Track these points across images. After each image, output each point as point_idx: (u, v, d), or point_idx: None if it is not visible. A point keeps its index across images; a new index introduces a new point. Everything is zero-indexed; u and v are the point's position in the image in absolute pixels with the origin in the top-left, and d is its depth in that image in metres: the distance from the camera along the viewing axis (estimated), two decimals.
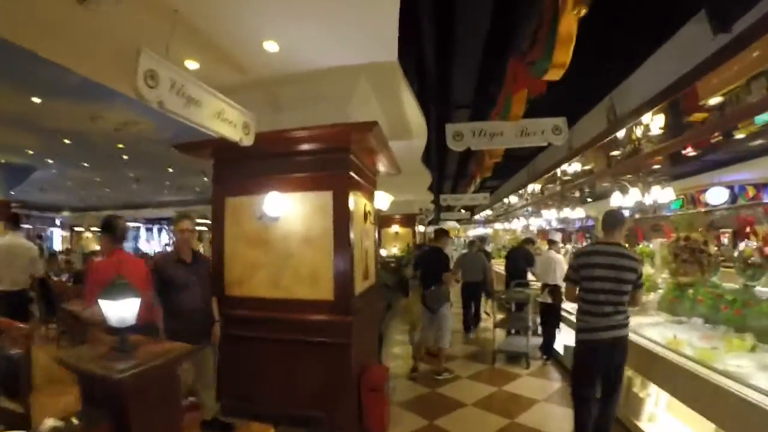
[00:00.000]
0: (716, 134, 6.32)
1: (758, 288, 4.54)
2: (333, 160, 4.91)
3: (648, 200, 7.01)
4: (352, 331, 4.73)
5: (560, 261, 7.26)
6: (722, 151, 7.66)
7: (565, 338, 6.88)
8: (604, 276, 3.93)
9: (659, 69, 4.69)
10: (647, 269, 5.76)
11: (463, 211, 20.23)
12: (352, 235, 4.85)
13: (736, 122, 5.34)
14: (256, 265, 5.09)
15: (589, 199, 11.38)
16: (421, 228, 22.06)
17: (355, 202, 5.14)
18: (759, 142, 6.76)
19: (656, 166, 7.34)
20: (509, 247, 12.12)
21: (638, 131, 6.15)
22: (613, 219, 4.18)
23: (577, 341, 4.17)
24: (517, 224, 16.22)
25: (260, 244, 5.14)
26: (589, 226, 14.51)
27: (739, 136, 6.41)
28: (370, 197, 5.80)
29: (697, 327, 4.63)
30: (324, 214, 4.91)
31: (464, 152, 9.12)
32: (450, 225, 31.72)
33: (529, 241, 9.36)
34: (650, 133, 6.11)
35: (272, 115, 4.97)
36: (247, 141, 4.18)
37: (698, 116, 4.95)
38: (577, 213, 10.49)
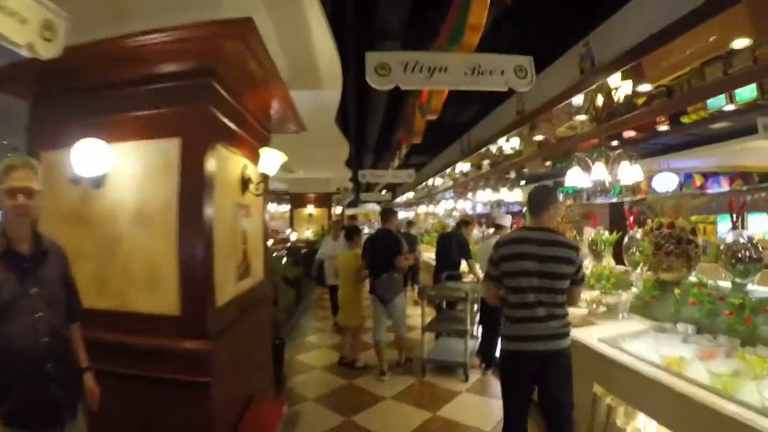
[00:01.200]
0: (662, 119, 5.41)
1: (751, 286, 3.58)
2: (184, 90, 3.07)
3: (608, 179, 5.57)
4: (213, 361, 2.96)
5: None
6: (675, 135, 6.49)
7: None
8: (533, 270, 3.08)
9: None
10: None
11: (384, 192, 18.62)
12: (211, 212, 3.04)
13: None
14: (77, 255, 3.07)
15: (522, 182, 9.99)
16: (338, 209, 20.22)
17: (223, 159, 3.34)
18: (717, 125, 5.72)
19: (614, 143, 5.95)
20: (437, 232, 10.66)
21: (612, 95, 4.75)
22: (542, 197, 3.32)
23: (501, 355, 3.32)
24: (442, 207, 14.78)
25: (80, 222, 3.22)
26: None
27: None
28: (254, 157, 3.94)
29: (690, 338, 3.52)
30: (166, 175, 3.07)
31: (389, 115, 7.49)
32: (370, 207, 30.27)
33: (464, 223, 7.74)
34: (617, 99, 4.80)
35: (115, 24, 2.99)
36: (47, 50, 2.09)
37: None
38: (515, 195, 9.04)
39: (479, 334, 6.29)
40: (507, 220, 6.16)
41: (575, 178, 5.61)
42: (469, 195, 12.82)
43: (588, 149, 5.94)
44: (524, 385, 3.18)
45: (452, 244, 7.23)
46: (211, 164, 3.06)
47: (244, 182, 3.76)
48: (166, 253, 3.01)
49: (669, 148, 8.05)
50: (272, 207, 24.27)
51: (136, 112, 3.16)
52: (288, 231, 15.58)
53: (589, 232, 5.99)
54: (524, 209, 11.09)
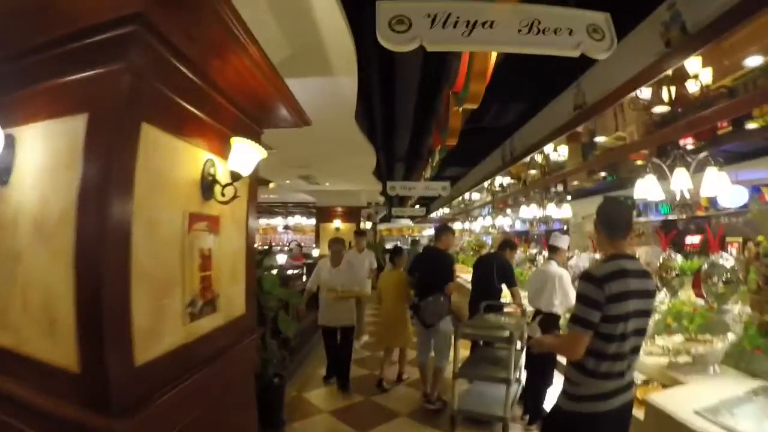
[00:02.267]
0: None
1: None
2: (99, 46, 2.06)
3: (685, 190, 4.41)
4: None
5: (563, 278, 4.67)
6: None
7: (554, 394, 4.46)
8: (636, 310, 2.48)
9: None
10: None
11: (417, 207, 17.51)
12: (127, 222, 2.05)
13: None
14: None
15: (569, 197, 8.71)
16: (368, 224, 19.18)
17: (166, 148, 2.36)
18: None
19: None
20: (473, 250, 9.48)
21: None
22: (629, 215, 2.80)
23: (568, 418, 2.57)
24: (479, 224, 13.58)
25: None
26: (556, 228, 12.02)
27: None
28: (221, 149, 2.91)
29: None
30: (67, 169, 2.08)
31: (421, 114, 6.40)
32: (403, 223, 29.20)
33: (508, 245, 6.53)
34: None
35: None
36: None
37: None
38: (564, 211, 7.82)
39: (523, 379, 5.12)
40: (565, 242, 5.01)
41: (646, 189, 4.47)
42: (509, 211, 11.65)
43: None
44: None
45: (494, 269, 6.07)
46: (134, 152, 2.05)
47: (207, 184, 2.74)
48: (62, 281, 2.01)
49: (732, 157, 6.99)
50: (298, 220, 23.59)
51: (43, 84, 2.20)
52: (311, 246, 14.65)
53: (656, 254, 4.86)
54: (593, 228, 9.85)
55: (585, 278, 2.50)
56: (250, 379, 3.70)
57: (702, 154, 4.19)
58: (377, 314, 7.34)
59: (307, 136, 7.12)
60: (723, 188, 4.06)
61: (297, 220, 25.24)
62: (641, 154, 6.88)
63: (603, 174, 7.60)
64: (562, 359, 4.40)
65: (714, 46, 3.06)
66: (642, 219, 14.97)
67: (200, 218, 2.69)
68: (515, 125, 6.77)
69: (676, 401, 2.74)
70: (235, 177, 2.76)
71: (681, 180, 4.12)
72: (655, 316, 4.04)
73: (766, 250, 3.01)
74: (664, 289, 4.29)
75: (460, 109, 4.62)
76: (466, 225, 15.74)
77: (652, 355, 3.51)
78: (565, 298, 4.63)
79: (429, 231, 28.55)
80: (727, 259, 3.81)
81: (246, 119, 3.41)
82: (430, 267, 5.78)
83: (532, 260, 9.55)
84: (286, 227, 27.37)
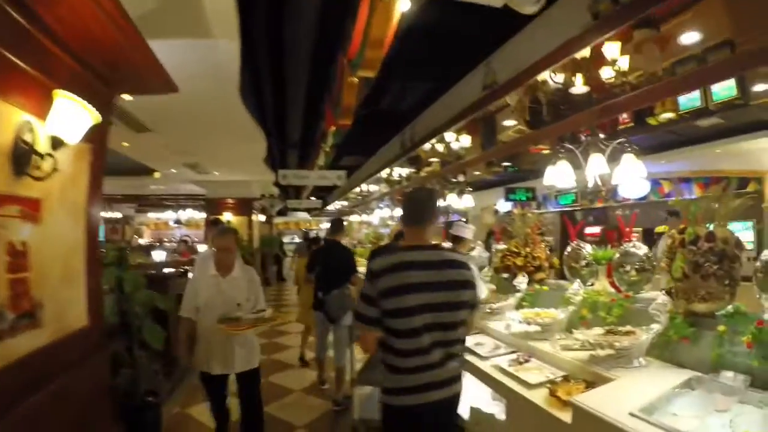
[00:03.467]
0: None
1: None
2: None
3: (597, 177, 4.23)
4: None
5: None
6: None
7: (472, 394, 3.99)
8: (427, 303, 2.35)
9: None
10: None
11: (313, 199, 16.78)
12: None
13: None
14: None
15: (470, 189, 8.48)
16: (261, 217, 18.18)
17: None
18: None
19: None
20: (371, 243, 9.00)
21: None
22: (425, 203, 2.58)
23: (386, 411, 2.50)
24: (377, 215, 13.21)
25: None
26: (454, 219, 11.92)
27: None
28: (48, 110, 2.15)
29: (748, 396, 2.30)
30: None
31: (314, 94, 5.76)
32: (300, 216, 28.40)
33: (401, 236, 5.95)
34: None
35: None
36: None
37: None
38: (465, 202, 7.54)
39: None
40: (468, 231, 4.62)
41: (558, 175, 4.18)
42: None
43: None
44: None
45: None
46: None
47: (21, 155, 1.98)
48: None
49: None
50: (190, 213, 22.09)
51: None
52: (195, 241, 13.54)
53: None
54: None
55: (366, 273, 2.44)
56: (102, 405, 2.94)
57: (618, 141, 3.95)
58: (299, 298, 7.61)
59: (189, 117, 6.43)
60: (640, 176, 3.82)
61: (190, 213, 23.58)
62: (541, 148, 6.85)
63: (506, 164, 7.39)
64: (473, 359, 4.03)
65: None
66: (541, 211, 15.33)
67: (7, 200, 1.93)
68: (418, 109, 6.30)
69: (607, 401, 2.43)
70: (57, 144, 2.02)
71: (596, 165, 3.83)
72: (569, 308, 3.74)
73: (692, 237, 2.74)
74: (578, 281, 4.00)
75: (356, 80, 4.05)
76: (364, 217, 15.30)
77: (570, 350, 3.22)
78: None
79: (327, 224, 27.94)
80: (639, 248, 3.64)
81: (90, 76, 2.63)
82: (331, 260, 5.64)
83: None
84: (178, 222, 25.58)
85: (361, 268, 7.59)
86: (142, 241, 21.43)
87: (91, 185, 2.85)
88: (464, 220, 9.27)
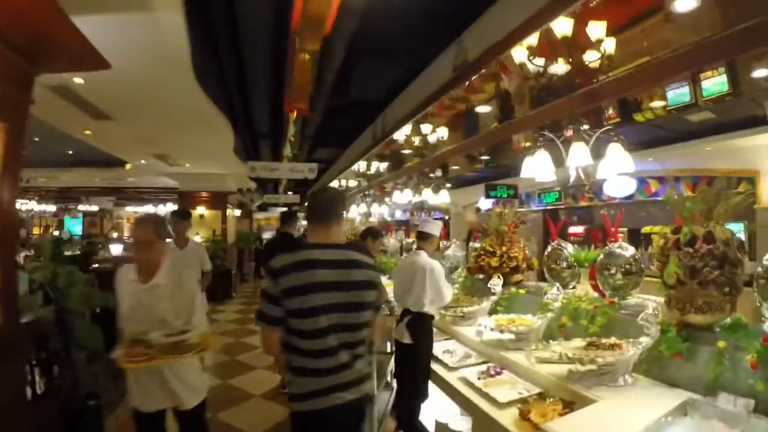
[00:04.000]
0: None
1: None
2: None
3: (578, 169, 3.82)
4: None
5: (434, 271, 3.86)
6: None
7: (439, 407, 3.83)
8: (332, 303, 2.27)
9: None
10: None
11: (290, 194, 16.25)
12: None
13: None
14: None
15: (448, 185, 8.06)
16: (236, 212, 17.62)
17: None
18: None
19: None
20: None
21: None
22: (331, 202, 2.49)
23: (294, 418, 2.38)
24: (355, 212, 12.76)
25: None
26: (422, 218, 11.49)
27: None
28: None
29: (751, 424, 1.96)
30: None
31: (276, 68, 5.28)
32: (280, 212, 27.75)
33: (370, 233, 5.60)
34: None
35: None
36: None
37: None
38: (441, 197, 7.14)
39: (395, 385, 4.28)
40: (435, 228, 4.18)
41: (536, 167, 3.79)
42: (387, 200, 10.95)
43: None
44: None
45: None
46: None
47: None
48: None
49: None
50: (171, 207, 21.47)
51: None
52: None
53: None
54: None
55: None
56: (20, 411, 2.53)
57: (602, 129, 3.56)
58: None
59: (147, 104, 6.24)
60: (627, 169, 3.42)
61: (170, 208, 22.95)
62: (519, 143, 6.48)
63: (485, 157, 7.01)
64: (434, 364, 3.65)
65: None
66: (523, 209, 14.91)
67: None
68: (390, 97, 5.88)
69: (587, 429, 2.07)
70: None
71: (578, 155, 3.43)
72: (548, 315, 3.35)
73: (688, 237, 2.35)
74: (557, 285, 3.62)
75: (307, 57, 3.57)
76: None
77: (547, 362, 2.82)
78: (437, 296, 3.84)
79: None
80: (626, 249, 3.30)
81: (5, 49, 2.22)
82: (277, 250, 5.21)
83: (409, 250, 8.85)
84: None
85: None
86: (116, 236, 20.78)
87: (4, 168, 2.43)
88: (447, 217, 8.81)
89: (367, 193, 11.26)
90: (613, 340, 2.73)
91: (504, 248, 4.60)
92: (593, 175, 3.70)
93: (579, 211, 10.19)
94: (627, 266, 3.18)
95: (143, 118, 6.90)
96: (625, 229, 7.96)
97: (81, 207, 21.74)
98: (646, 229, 7.48)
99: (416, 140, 6.81)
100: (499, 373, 3.24)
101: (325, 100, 5.26)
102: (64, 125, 7.32)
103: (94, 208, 22.01)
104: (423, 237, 4.09)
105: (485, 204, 13.99)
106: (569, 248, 4.02)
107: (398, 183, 8.30)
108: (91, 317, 4.08)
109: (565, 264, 3.94)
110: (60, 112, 6.20)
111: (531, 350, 3.00)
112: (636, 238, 7.45)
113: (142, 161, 10.76)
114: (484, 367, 3.34)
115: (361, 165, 9.88)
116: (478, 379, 3.13)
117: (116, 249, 11.37)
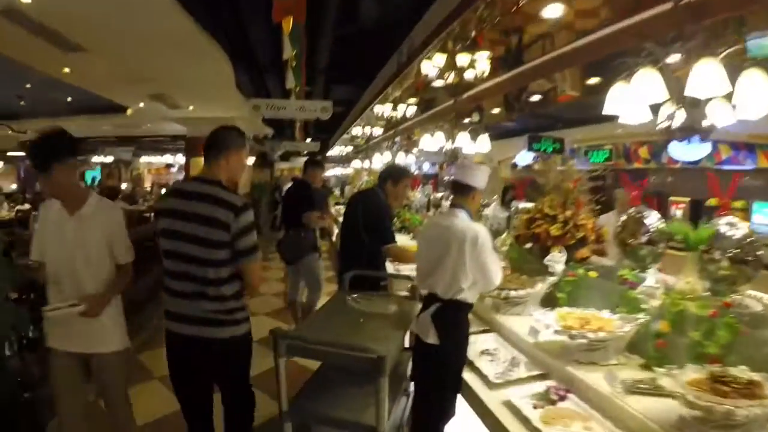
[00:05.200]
0: None
1: None
2: None
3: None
4: None
5: (478, 239, 2.66)
6: None
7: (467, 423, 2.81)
8: (180, 232, 2.47)
9: None
10: None
11: (309, 141, 15.27)
12: None
13: None
14: None
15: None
16: (250, 159, 16.48)
17: None
18: None
19: None
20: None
21: None
22: (223, 138, 2.60)
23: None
24: (379, 162, 11.79)
25: None
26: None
27: None
28: None
29: None
30: None
31: None
32: (300, 162, 26.93)
33: (390, 175, 4.20)
34: None
35: None
36: None
37: None
38: (480, 145, 5.98)
39: (410, 392, 3.30)
40: (480, 176, 2.98)
41: (641, 87, 2.64)
42: (415, 150, 9.92)
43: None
44: (179, 374, 2.62)
45: (358, 214, 4.04)
46: None
47: None
48: None
49: None
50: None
51: None
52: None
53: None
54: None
55: None
56: None
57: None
58: None
59: (121, 31, 5.47)
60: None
61: (180, 159, 22.21)
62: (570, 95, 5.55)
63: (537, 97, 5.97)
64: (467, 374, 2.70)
65: None
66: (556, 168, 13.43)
67: None
68: (414, 19, 4.76)
69: None
70: None
71: (706, 80, 2.29)
72: (639, 317, 2.32)
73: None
74: (654, 271, 2.63)
75: None
76: (366, 164, 13.81)
77: (642, 394, 1.89)
78: (481, 277, 2.70)
79: (334, 171, 26.55)
80: (737, 227, 2.56)
81: None
82: (293, 200, 5.65)
83: (437, 206, 7.79)
84: (170, 165, 24.29)
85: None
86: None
87: None
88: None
89: (394, 141, 10.16)
90: (748, 374, 1.70)
91: (568, 212, 3.56)
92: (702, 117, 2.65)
93: (629, 175, 9.00)
94: (736, 251, 2.46)
95: (121, 48, 6.08)
96: (687, 199, 6.95)
97: (96, 158, 21.13)
98: (712, 202, 6.41)
99: (450, 76, 5.72)
100: (562, 398, 2.30)
101: (332, 16, 4.18)
102: (34, 61, 6.70)
103: (108, 158, 21.41)
104: (462, 189, 2.92)
105: (523, 159, 12.83)
106: (653, 217, 3.00)
107: (428, 128, 7.22)
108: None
109: (645, 239, 3.10)
110: (20, 43, 5.62)
111: (613, 368, 2.01)
112: (697, 210, 6.70)
113: (140, 104, 10.01)
114: (541, 386, 2.41)
115: (385, 109, 8.84)
116: (534, 407, 2.18)
117: None
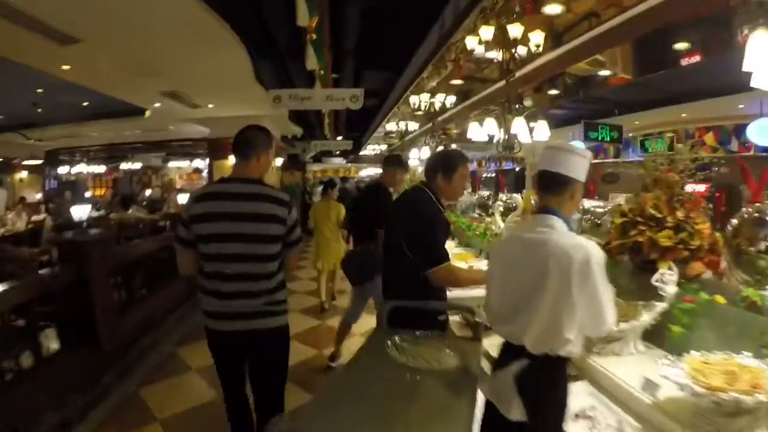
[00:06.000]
0: None
1: None
2: None
3: None
4: None
5: (590, 264, 1.79)
6: None
7: None
8: (231, 233, 2.54)
9: None
10: None
11: (340, 139, 14.48)
12: None
13: None
14: None
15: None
16: (278, 161, 15.63)
17: None
18: None
19: None
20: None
21: None
22: (253, 137, 2.69)
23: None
24: (415, 158, 10.97)
25: None
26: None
27: None
28: None
29: None
30: None
31: None
32: (336, 162, 26.46)
33: (442, 166, 2.99)
34: None
35: None
36: None
37: None
38: (539, 132, 5.08)
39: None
40: (580, 164, 2.07)
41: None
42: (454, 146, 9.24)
43: None
44: (228, 369, 2.82)
45: (400, 225, 2.96)
46: None
47: None
48: None
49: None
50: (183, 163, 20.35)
51: None
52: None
53: None
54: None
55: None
56: None
57: None
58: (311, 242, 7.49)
59: (117, 16, 4.85)
60: None
61: (199, 163, 21.78)
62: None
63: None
64: None
65: None
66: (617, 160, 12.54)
67: None
68: None
69: None
70: None
71: None
72: None
73: None
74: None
75: None
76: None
77: None
78: (594, 319, 1.84)
79: (368, 170, 25.90)
80: None
81: None
82: (365, 207, 4.86)
83: (484, 207, 6.87)
84: (198, 170, 23.99)
85: None
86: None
87: None
88: (518, 169, 6.89)
89: (434, 134, 9.40)
90: None
91: (679, 214, 2.69)
92: None
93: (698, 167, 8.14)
94: None
95: (120, 37, 5.47)
96: None
97: (123, 165, 20.81)
98: None
99: (499, 55, 4.89)
100: None
101: None
102: (29, 58, 6.18)
103: (137, 165, 21.06)
104: (555, 185, 1.99)
105: None
106: None
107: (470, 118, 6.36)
108: None
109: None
110: (9, 38, 5.19)
111: None
112: None
113: (156, 104, 9.49)
114: None
115: (422, 98, 8.04)
116: None
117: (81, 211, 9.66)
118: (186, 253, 2.65)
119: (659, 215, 2.69)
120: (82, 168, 19.59)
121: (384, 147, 17.45)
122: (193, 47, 5.75)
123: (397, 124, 11.89)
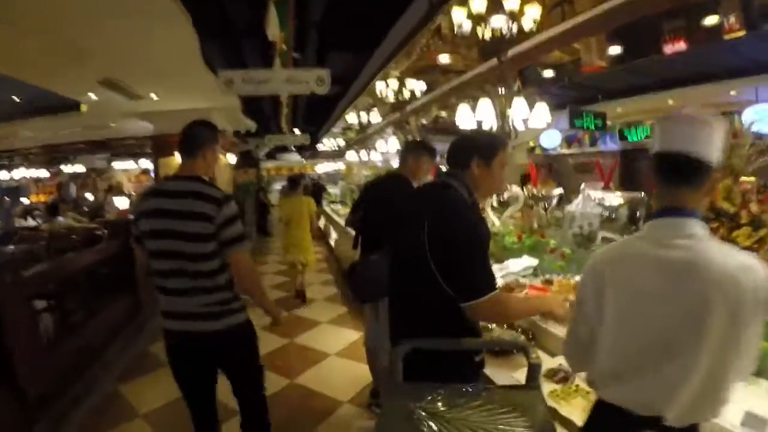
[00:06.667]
0: None
1: None
2: None
3: None
4: None
5: (759, 296, 1.21)
6: None
7: None
8: (167, 230, 2.52)
9: None
10: None
11: (298, 132, 13.64)
12: None
13: None
14: None
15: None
16: (231, 158, 14.62)
17: None
18: None
19: None
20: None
21: None
22: (198, 133, 2.67)
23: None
24: (379, 151, 10.33)
25: None
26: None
27: None
28: None
29: None
30: None
31: None
32: (293, 159, 25.64)
33: (478, 150, 2.18)
34: None
35: None
36: None
37: None
38: (539, 115, 4.53)
39: None
40: (718, 143, 1.41)
41: None
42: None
43: None
44: (181, 368, 2.71)
45: (424, 239, 2.02)
46: None
47: None
48: None
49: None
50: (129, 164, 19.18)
51: None
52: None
53: None
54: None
55: None
56: None
57: None
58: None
59: None
60: None
61: (144, 162, 20.66)
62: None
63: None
64: None
65: None
66: (571, 150, 12.11)
67: None
68: None
69: None
70: None
71: None
72: None
73: None
74: None
75: None
76: (363, 154, 12.23)
77: None
78: (752, 363, 1.28)
79: (325, 167, 25.28)
80: None
81: None
82: (379, 204, 3.58)
83: (503, 203, 6.12)
84: (146, 171, 22.82)
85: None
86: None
87: None
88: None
89: (406, 123, 8.84)
90: None
91: (753, 207, 2.15)
92: None
93: None
94: None
95: (46, 15, 4.64)
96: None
97: (65, 168, 19.42)
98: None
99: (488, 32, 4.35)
100: None
101: None
102: None
103: (79, 168, 19.68)
104: (693, 173, 1.40)
105: (551, 140, 11.48)
106: None
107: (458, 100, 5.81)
108: None
109: None
110: None
111: None
112: None
113: (93, 96, 8.41)
114: None
115: (391, 86, 7.43)
116: None
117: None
118: (139, 250, 2.74)
119: (731, 211, 2.13)
120: (24, 172, 18.29)
121: (341, 142, 16.77)
122: (130, 22, 4.82)
123: (358, 114, 11.23)
